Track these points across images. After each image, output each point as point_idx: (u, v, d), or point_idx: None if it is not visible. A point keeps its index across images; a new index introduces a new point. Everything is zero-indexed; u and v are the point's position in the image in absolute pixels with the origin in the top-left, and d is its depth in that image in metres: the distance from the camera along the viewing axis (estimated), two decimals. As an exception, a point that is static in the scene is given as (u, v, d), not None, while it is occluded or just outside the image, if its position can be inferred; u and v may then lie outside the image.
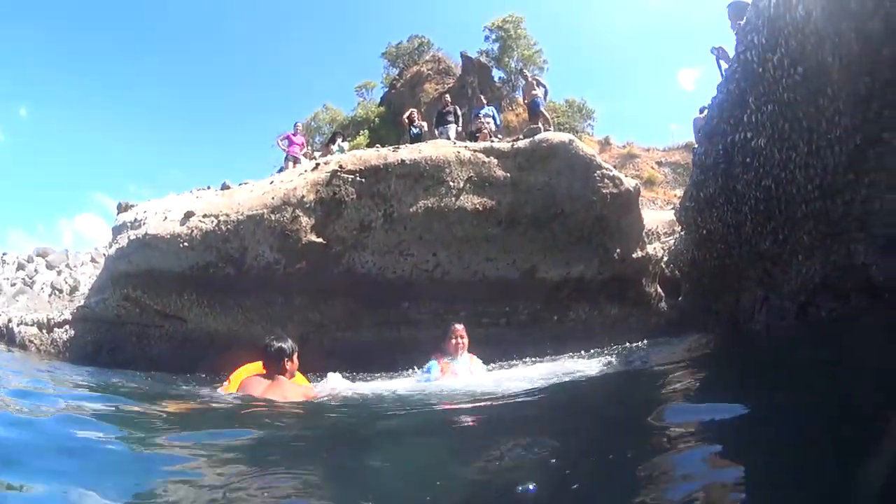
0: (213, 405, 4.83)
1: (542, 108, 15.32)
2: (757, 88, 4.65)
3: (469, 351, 6.47)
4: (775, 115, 4.41)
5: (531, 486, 2.27)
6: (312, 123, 39.14)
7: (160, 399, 5.34)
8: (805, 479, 2.07)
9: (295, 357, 5.00)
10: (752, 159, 4.99)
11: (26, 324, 13.68)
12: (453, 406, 4.65)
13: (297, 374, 5.20)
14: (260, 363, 5.23)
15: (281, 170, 15.25)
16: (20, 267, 19.40)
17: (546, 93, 16.38)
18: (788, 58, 4.01)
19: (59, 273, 19.08)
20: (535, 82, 16.37)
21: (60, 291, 17.84)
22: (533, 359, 8.86)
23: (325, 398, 5.15)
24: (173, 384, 7.90)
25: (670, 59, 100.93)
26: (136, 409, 4.65)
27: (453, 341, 6.31)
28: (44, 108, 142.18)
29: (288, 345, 4.92)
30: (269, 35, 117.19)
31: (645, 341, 9.89)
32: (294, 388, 4.83)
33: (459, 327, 6.44)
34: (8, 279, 19.05)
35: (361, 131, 33.98)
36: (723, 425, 3.15)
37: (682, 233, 8.77)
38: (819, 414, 2.75)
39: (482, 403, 4.55)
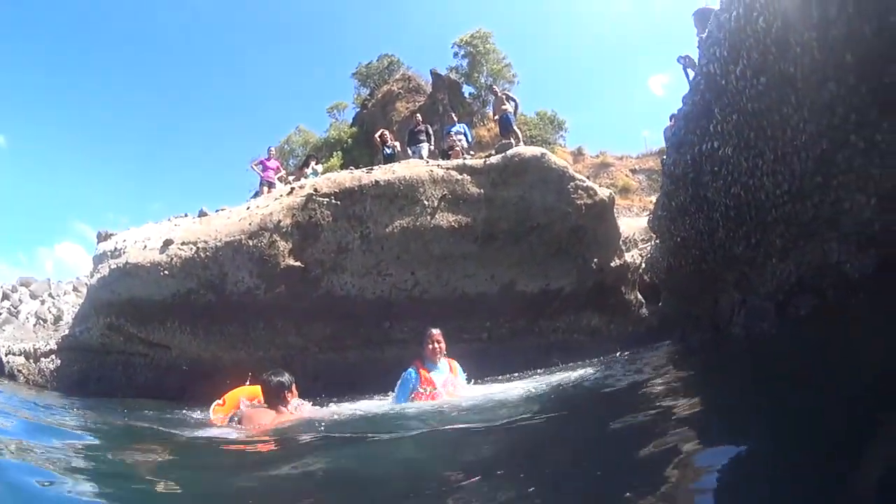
0: (236, 439, 4.89)
1: (513, 124, 15.40)
2: (721, 99, 4.74)
3: (448, 356, 6.58)
4: (740, 124, 4.50)
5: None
6: (286, 146, 39.21)
7: (175, 434, 5.35)
8: (794, 481, 2.11)
9: (294, 388, 5.32)
10: (721, 168, 5.07)
11: (14, 353, 13.62)
12: (437, 427, 4.69)
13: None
14: (249, 387, 5.97)
15: (256, 193, 15.26)
16: (5, 297, 19.16)
17: (517, 107, 16.41)
18: (751, 69, 4.10)
19: (42, 303, 18.93)
20: (504, 97, 16.43)
21: (45, 321, 17.75)
22: (516, 374, 8.88)
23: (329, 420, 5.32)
24: (172, 414, 7.85)
25: (640, 66, 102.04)
26: (161, 444, 4.69)
27: (430, 346, 6.41)
28: (23, 137, 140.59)
29: (286, 378, 5.24)
30: (240, 59, 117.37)
31: (627, 349, 9.98)
32: (298, 418, 5.18)
33: (436, 332, 6.51)
34: (-6, 309, 18.79)
35: (335, 152, 34.07)
36: (708, 429, 3.20)
37: (657, 241, 8.86)
38: (804, 415, 2.79)
39: (462, 425, 4.60)
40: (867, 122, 3.15)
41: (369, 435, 4.65)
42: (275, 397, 5.16)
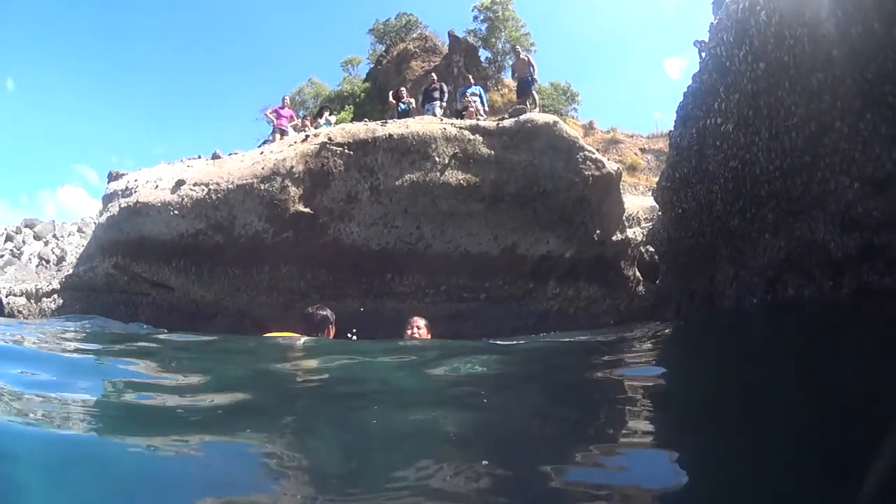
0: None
1: (532, 88, 15.41)
2: (726, 79, 5.05)
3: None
4: (741, 103, 4.82)
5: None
6: (297, 97, 38.94)
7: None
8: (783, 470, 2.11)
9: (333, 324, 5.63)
10: (722, 142, 5.37)
11: (15, 294, 13.77)
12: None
13: None
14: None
15: (265, 142, 15.36)
16: (8, 238, 19.32)
17: (534, 72, 16.37)
18: (752, 55, 4.45)
19: (46, 244, 19.07)
20: (526, 59, 16.40)
21: (48, 262, 17.92)
22: (510, 337, 9.03)
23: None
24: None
25: (657, 47, 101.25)
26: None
27: (409, 331, 6.29)
28: (31, 80, 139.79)
29: (329, 313, 5.59)
30: (255, 9, 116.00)
31: (622, 323, 10.18)
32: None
33: (417, 320, 6.43)
34: (-4, 251, 18.99)
35: (346, 106, 33.92)
36: (696, 408, 3.25)
37: (660, 213, 9.10)
38: (797, 401, 2.85)
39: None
40: (851, 110, 3.43)
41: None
42: (319, 330, 5.45)
